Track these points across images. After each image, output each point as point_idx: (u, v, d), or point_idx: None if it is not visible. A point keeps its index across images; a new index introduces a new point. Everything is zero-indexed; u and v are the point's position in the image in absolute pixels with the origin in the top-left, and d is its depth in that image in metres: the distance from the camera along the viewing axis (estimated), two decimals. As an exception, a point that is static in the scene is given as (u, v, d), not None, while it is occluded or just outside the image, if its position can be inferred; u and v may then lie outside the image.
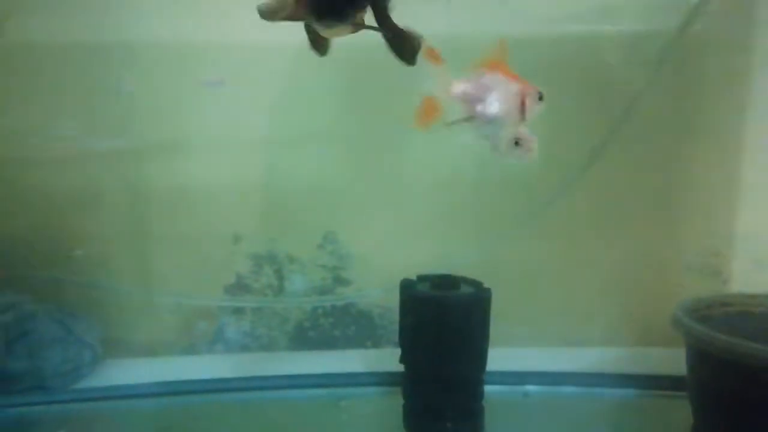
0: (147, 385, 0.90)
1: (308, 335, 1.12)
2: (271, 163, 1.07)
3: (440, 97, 0.43)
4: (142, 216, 1.05)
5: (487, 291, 0.82)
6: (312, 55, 1.03)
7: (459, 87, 0.43)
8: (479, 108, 0.43)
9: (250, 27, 0.96)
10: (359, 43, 1.01)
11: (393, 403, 0.82)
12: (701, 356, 0.74)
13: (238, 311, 1.11)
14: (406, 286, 0.82)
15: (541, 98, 0.46)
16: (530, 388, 0.88)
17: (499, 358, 0.94)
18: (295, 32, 1.01)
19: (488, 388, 0.87)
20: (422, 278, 0.85)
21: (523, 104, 0.43)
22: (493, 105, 0.42)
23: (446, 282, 0.82)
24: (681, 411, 0.78)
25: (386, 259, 1.08)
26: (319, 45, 0.62)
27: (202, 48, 1.00)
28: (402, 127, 1.08)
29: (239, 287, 1.10)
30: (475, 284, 0.83)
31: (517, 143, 0.47)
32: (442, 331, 0.78)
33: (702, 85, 1.00)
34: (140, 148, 1.03)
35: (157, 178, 1.04)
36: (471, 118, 0.42)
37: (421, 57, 0.53)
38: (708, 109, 1.02)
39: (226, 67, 1.01)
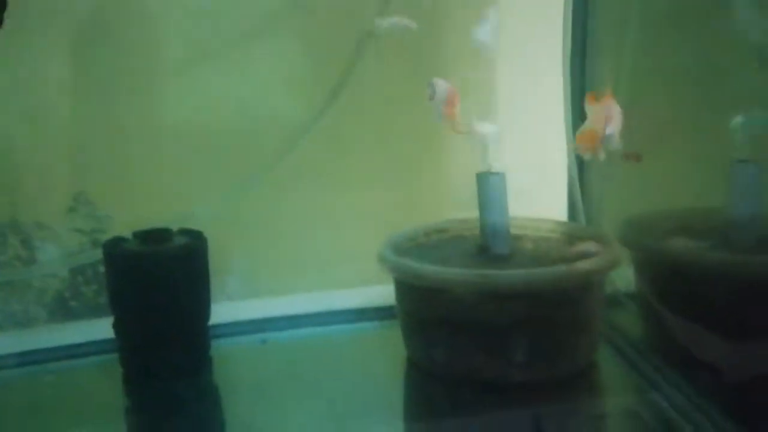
0: None
1: (70, 305, 1.10)
2: (3, 120, 1.02)
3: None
4: None
5: (203, 241, 0.84)
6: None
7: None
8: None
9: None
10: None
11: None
12: (396, 284, 0.80)
13: (-12, 287, 1.07)
14: (110, 245, 0.82)
15: None
16: (268, 334, 0.92)
17: (244, 309, 0.99)
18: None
19: (225, 340, 0.91)
20: (137, 234, 0.85)
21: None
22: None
23: (158, 236, 0.83)
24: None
25: (147, 215, 1.07)
26: None
27: None
28: (147, 75, 1.08)
29: (-17, 262, 1.05)
30: (193, 235, 0.85)
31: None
32: (149, 287, 0.79)
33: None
34: None
35: None
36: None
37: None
38: (456, 35, 1.06)
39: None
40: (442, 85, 0.81)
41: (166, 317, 0.80)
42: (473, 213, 1.13)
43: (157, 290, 0.80)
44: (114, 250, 0.81)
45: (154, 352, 0.81)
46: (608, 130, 0.75)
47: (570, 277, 0.72)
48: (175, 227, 0.90)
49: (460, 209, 1.14)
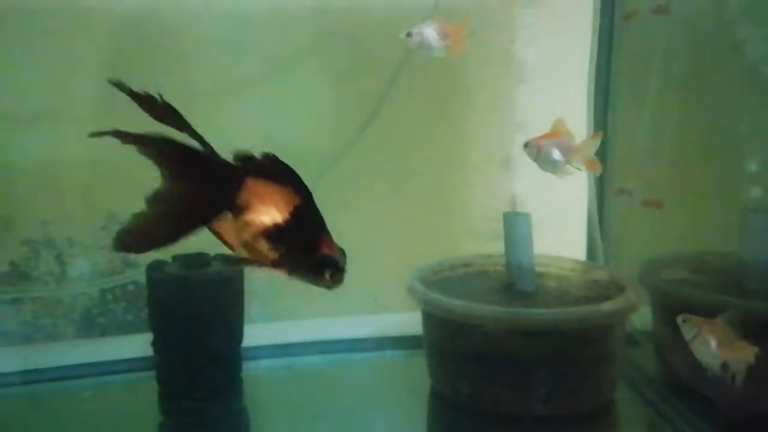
0: None
1: (98, 321, 1.14)
2: (41, 141, 1.06)
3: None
4: None
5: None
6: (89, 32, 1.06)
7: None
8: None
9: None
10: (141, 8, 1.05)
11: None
12: (424, 315, 0.85)
13: (17, 301, 1.10)
14: (153, 268, 0.87)
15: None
16: (295, 359, 0.96)
17: (274, 333, 1.03)
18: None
19: (253, 363, 0.95)
20: (176, 258, 0.90)
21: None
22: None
23: (197, 261, 0.88)
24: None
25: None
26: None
27: None
28: (185, 102, 1.13)
29: (15, 275, 1.09)
30: (229, 261, 0.89)
31: None
32: (186, 310, 0.84)
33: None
34: None
35: None
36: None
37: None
38: (477, 73, 1.12)
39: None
40: (423, 26, 0.81)
41: (202, 339, 0.85)
42: (491, 246, 1.19)
43: (196, 313, 0.84)
44: (157, 273, 0.86)
45: (190, 372, 0.85)
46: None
47: (594, 318, 0.77)
48: (202, 249, 0.93)
49: (479, 241, 1.19)
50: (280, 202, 0.44)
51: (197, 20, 1.06)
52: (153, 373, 0.90)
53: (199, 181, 0.44)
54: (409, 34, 0.81)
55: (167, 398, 0.86)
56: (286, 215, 0.44)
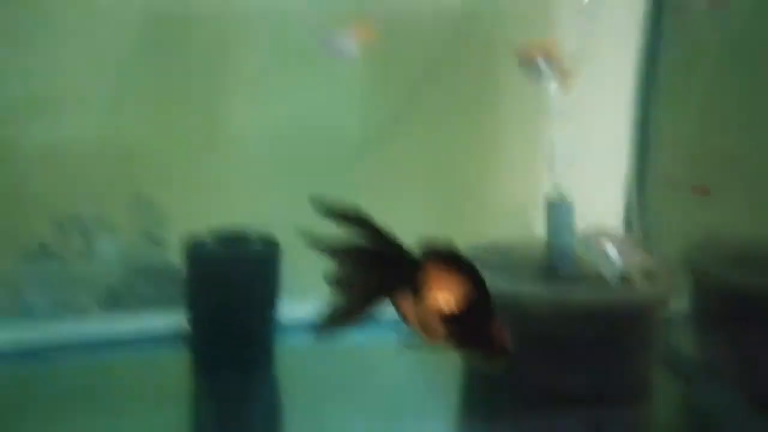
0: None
1: (122, 298, 1.15)
2: (73, 123, 1.07)
3: None
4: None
5: (276, 247, 0.89)
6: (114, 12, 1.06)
7: None
8: None
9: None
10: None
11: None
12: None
13: (43, 277, 1.12)
14: (190, 246, 0.87)
15: None
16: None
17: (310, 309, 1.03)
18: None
19: (287, 338, 0.95)
20: (214, 236, 0.90)
21: None
22: None
23: (235, 239, 0.88)
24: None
25: (203, 217, 1.11)
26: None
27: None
28: (213, 84, 1.14)
29: (42, 253, 1.10)
30: (266, 240, 0.90)
31: None
32: (222, 288, 0.84)
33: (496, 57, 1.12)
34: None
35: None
36: None
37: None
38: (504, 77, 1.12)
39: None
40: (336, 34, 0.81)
41: (234, 315, 0.86)
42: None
43: (235, 293, 0.85)
44: (195, 250, 0.87)
45: (225, 346, 0.86)
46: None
47: (638, 300, 0.78)
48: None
49: (513, 230, 1.20)
50: (455, 286, 0.49)
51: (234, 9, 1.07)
52: (184, 348, 0.92)
53: (387, 262, 0.50)
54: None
55: (201, 371, 0.87)
56: (461, 298, 0.49)
